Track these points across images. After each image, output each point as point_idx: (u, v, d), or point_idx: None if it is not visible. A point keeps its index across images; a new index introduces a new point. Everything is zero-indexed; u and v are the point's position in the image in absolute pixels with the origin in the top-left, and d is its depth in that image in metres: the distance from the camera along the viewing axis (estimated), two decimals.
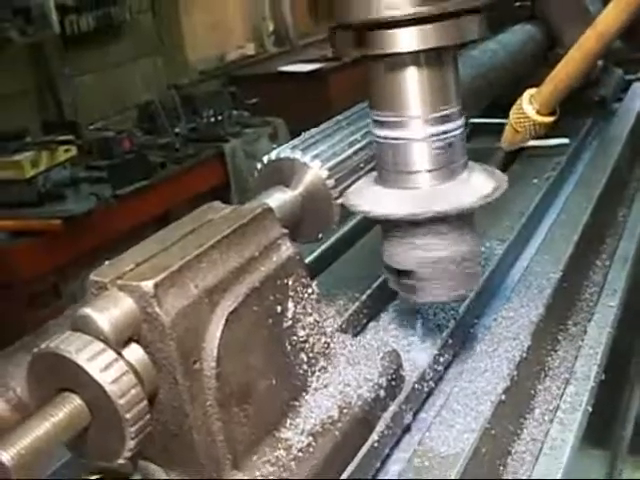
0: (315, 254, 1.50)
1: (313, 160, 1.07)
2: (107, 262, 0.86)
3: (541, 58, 2.08)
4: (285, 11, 7.88)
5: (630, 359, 1.56)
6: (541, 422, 1.10)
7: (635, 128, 2.16)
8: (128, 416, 0.72)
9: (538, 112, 1.04)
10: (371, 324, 1.30)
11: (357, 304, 1.30)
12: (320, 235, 1.12)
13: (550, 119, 1.05)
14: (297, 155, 1.07)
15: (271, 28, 7.84)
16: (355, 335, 1.26)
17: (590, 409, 1.06)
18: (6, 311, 4.18)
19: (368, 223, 1.56)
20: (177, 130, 5.68)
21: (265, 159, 1.10)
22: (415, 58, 0.92)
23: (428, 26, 0.88)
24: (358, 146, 1.14)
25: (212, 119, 5.80)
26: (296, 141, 1.13)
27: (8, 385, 0.91)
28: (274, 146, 3.98)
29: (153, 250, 0.85)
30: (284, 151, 1.09)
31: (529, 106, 1.04)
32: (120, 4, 6.04)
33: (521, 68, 1.94)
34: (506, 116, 2.05)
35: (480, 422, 0.99)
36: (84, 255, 4.63)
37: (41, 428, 0.72)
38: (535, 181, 1.78)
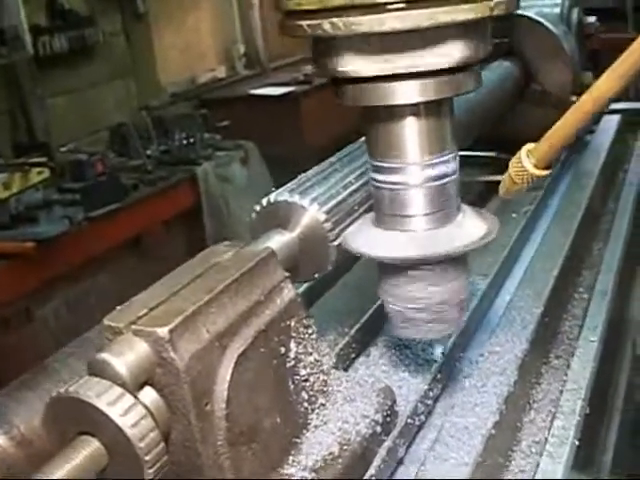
0: (303, 287, 1.53)
1: (311, 203, 1.11)
2: (118, 307, 0.89)
3: (518, 94, 2.14)
4: (256, 34, 7.95)
5: (608, 389, 1.61)
6: (528, 454, 1.15)
7: (607, 161, 2.23)
8: (147, 458, 0.75)
9: (535, 166, 1.10)
10: (361, 359, 1.34)
11: (347, 339, 1.34)
12: (316, 275, 1.16)
13: (546, 172, 1.11)
14: (295, 198, 1.11)
15: (242, 51, 7.89)
16: (345, 369, 1.30)
17: (577, 442, 1.10)
18: None
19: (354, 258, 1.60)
20: (149, 152, 5.70)
21: (263, 201, 1.14)
22: (414, 109, 0.97)
23: (428, 80, 0.93)
24: (352, 188, 1.18)
25: (184, 141, 5.84)
26: (293, 184, 1.16)
27: (12, 422, 0.93)
28: (245, 170, 3.99)
29: (164, 294, 0.88)
30: (282, 194, 1.13)
31: (527, 160, 1.10)
32: (93, 26, 6.06)
33: (500, 104, 2.00)
34: (485, 149, 2.11)
35: (473, 456, 1.03)
36: (56, 278, 4.63)
37: (62, 471, 0.74)
38: (514, 215, 1.84)
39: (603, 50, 2.85)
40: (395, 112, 0.97)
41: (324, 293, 1.56)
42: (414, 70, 0.91)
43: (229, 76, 7.70)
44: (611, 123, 2.56)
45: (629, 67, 0.95)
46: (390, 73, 0.92)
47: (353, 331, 1.36)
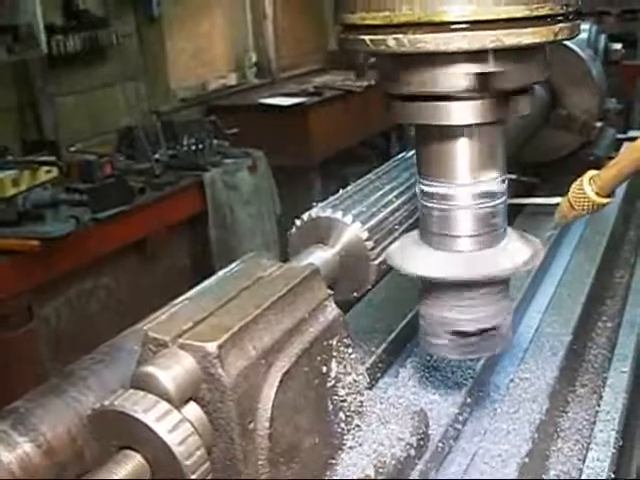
0: None
1: (354, 220, 1.09)
2: (163, 316, 0.87)
3: (544, 118, 2.13)
4: (268, 44, 7.95)
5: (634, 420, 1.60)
6: None
7: (628, 187, 2.22)
8: (193, 477, 0.74)
9: (597, 194, 1.08)
10: (390, 379, 1.32)
11: (374, 357, 1.32)
12: (355, 293, 1.14)
13: (607, 200, 1.09)
14: (338, 215, 1.10)
15: (254, 60, 7.88)
16: (369, 388, 1.28)
17: (613, 475, 1.08)
18: None
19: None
20: (157, 156, 5.68)
21: (305, 216, 1.13)
22: (468, 130, 0.95)
23: (485, 101, 0.91)
24: (393, 207, 1.17)
25: (192, 147, 5.82)
26: (335, 200, 1.15)
27: (38, 429, 0.91)
28: (252, 178, 3.97)
29: (209, 307, 0.86)
30: (324, 210, 1.11)
31: (589, 187, 1.08)
32: (107, 27, 6.05)
33: (527, 128, 1.99)
34: (513, 172, 2.10)
35: None
36: (59, 278, 4.61)
37: None
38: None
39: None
40: (450, 132, 0.95)
41: (348, 310, 1.54)
42: (475, 92, 0.89)
43: (239, 84, 7.69)
44: None
45: None
46: (448, 93, 0.90)
47: (380, 350, 1.35)
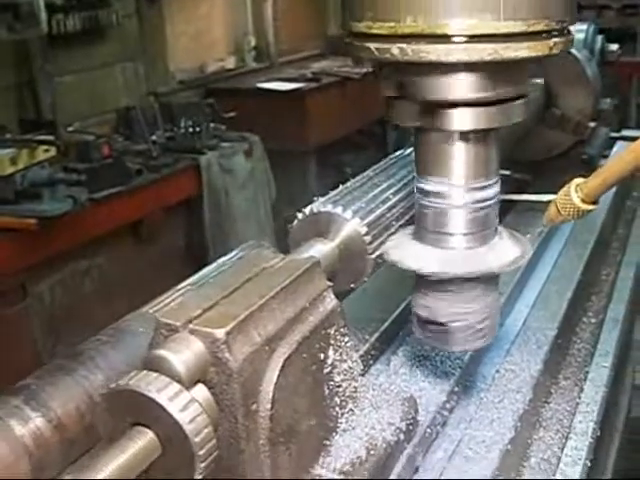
0: None
1: (353, 216, 1.15)
2: (170, 302, 0.93)
3: (538, 117, 2.19)
4: (268, 28, 7.97)
5: (611, 412, 1.66)
6: (537, 470, 1.19)
7: (618, 187, 2.27)
8: (201, 452, 0.80)
9: (583, 200, 1.15)
10: (381, 366, 1.38)
11: (367, 345, 1.38)
12: (352, 285, 1.21)
13: (593, 207, 1.16)
14: (338, 210, 1.15)
15: (253, 43, 7.91)
16: (362, 375, 1.34)
17: (589, 463, 1.15)
18: None
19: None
20: (154, 138, 5.72)
21: (306, 210, 1.18)
22: (465, 135, 1.01)
23: (483, 109, 0.97)
24: (390, 203, 1.23)
25: (189, 130, 5.85)
26: (335, 196, 1.21)
27: (49, 406, 0.96)
28: (248, 163, 4.01)
29: (217, 296, 0.92)
30: (325, 205, 1.17)
31: (575, 194, 1.15)
32: (107, 7, 6.07)
33: (521, 126, 2.04)
34: (507, 169, 2.16)
35: (490, 469, 1.07)
36: (54, 257, 4.66)
37: (119, 459, 0.78)
38: (528, 236, 1.88)
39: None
40: (447, 137, 1.01)
41: (343, 299, 1.60)
42: (472, 99, 0.95)
43: (238, 67, 7.72)
44: (623, 149, 2.60)
45: None
46: (451, 101, 0.96)
47: (373, 338, 1.40)
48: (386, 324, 1.45)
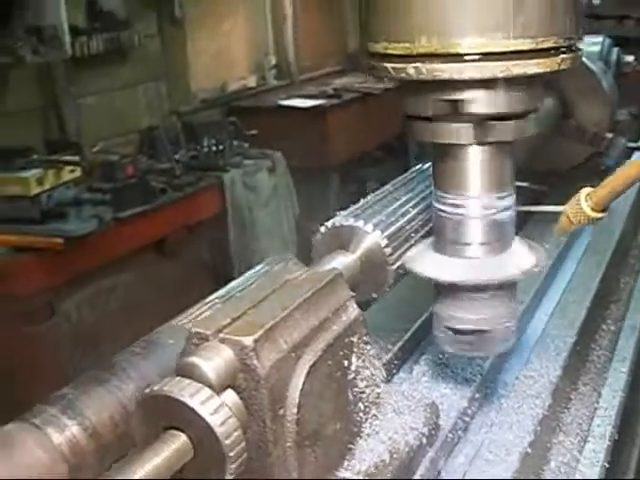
0: None
1: (374, 229, 1.20)
2: (200, 313, 0.97)
3: (554, 128, 2.22)
4: (288, 46, 8.06)
5: (632, 417, 1.69)
6: (557, 474, 1.23)
7: (637, 197, 2.30)
8: (231, 454, 0.84)
9: (592, 209, 1.19)
10: (405, 375, 1.42)
11: (390, 355, 1.42)
12: (374, 295, 1.25)
13: (602, 215, 1.20)
14: (359, 223, 1.20)
15: (273, 62, 7.99)
16: (386, 382, 1.38)
17: (607, 465, 1.18)
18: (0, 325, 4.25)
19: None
20: (177, 157, 5.79)
21: (329, 224, 1.23)
22: (479, 149, 1.05)
23: (494, 123, 1.02)
24: (409, 216, 1.28)
25: (213, 148, 5.92)
26: (356, 210, 1.25)
27: (84, 414, 1.01)
28: (271, 180, 4.06)
29: (244, 307, 0.97)
30: (346, 219, 1.22)
31: (585, 203, 1.19)
32: (130, 28, 6.16)
33: (538, 137, 2.08)
34: (518, 180, 2.19)
35: (510, 472, 1.11)
36: (81, 275, 4.72)
37: (154, 461, 0.83)
38: (547, 246, 1.92)
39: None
40: (463, 150, 1.05)
41: (366, 310, 1.64)
42: (484, 114, 0.99)
43: (259, 85, 7.79)
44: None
45: None
46: (462, 116, 1.00)
47: (396, 348, 1.44)
48: (408, 334, 1.49)
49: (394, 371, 1.43)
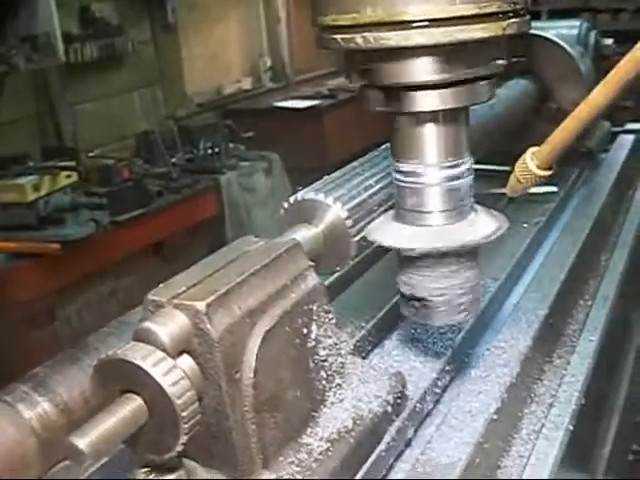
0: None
1: (335, 202, 1.22)
2: (161, 284, 0.99)
3: (534, 111, 2.24)
4: (282, 48, 8.09)
5: (608, 388, 1.70)
6: (527, 441, 1.24)
7: (620, 177, 2.31)
8: (184, 414, 0.86)
9: (538, 167, 1.21)
10: (376, 350, 1.43)
11: (363, 332, 1.44)
12: (337, 267, 1.27)
13: (547, 173, 1.22)
14: (320, 197, 1.22)
15: (268, 64, 8.03)
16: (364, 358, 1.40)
17: (571, 428, 1.19)
18: (0, 330, 4.27)
19: (372, 259, 1.72)
20: (174, 160, 5.82)
21: (291, 199, 1.25)
22: (434, 116, 1.07)
23: (447, 90, 1.03)
24: (372, 191, 1.29)
25: (209, 151, 5.95)
26: (318, 184, 1.27)
27: (56, 391, 1.03)
28: (268, 181, 4.07)
29: (200, 275, 0.99)
30: (308, 193, 1.24)
31: (531, 162, 1.21)
32: (123, 35, 6.20)
33: (516, 120, 2.10)
34: (501, 164, 2.21)
35: (475, 437, 1.12)
36: (80, 279, 4.74)
37: (109, 423, 0.84)
38: (525, 225, 1.94)
39: None
40: (417, 119, 1.07)
41: (344, 290, 1.66)
42: (435, 81, 1.01)
43: (254, 88, 7.83)
44: (625, 142, 2.65)
45: (619, 79, 1.07)
46: (414, 83, 1.02)
47: (369, 325, 1.46)
48: (382, 312, 1.50)
49: (368, 348, 1.45)
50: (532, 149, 1.24)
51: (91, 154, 5.73)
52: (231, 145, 6.14)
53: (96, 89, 6.11)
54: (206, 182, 5.64)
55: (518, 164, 1.26)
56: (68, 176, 4.87)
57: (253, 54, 8.02)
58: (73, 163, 5.09)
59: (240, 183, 5.81)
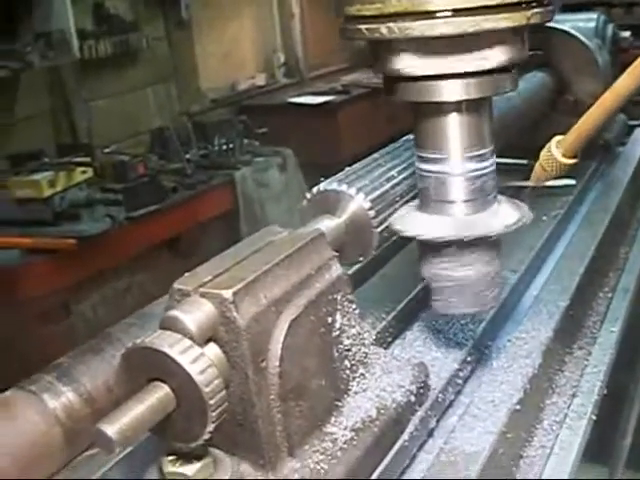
0: None
1: (358, 192, 1.22)
2: (187, 273, 0.99)
3: (551, 103, 2.24)
4: (296, 44, 8.09)
5: (629, 380, 1.70)
6: (549, 432, 1.24)
7: (637, 171, 2.31)
8: (212, 402, 0.86)
9: (563, 155, 1.21)
10: (397, 341, 1.44)
11: (384, 323, 1.44)
12: (360, 258, 1.27)
13: (572, 161, 1.23)
14: (343, 188, 1.22)
15: (282, 60, 8.03)
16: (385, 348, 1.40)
17: (594, 418, 1.19)
18: (17, 326, 4.29)
19: (393, 251, 1.72)
20: (188, 156, 5.83)
21: (314, 190, 1.25)
22: (457, 106, 1.07)
23: (470, 80, 1.03)
24: (394, 181, 1.30)
25: (223, 147, 5.96)
26: (341, 175, 1.28)
27: (79, 381, 1.04)
28: (282, 176, 4.08)
29: (227, 264, 0.99)
30: (331, 184, 1.24)
31: (556, 150, 1.22)
32: (137, 31, 6.21)
33: (533, 113, 2.10)
34: (519, 156, 2.20)
35: (498, 426, 1.12)
36: (96, 275, 4.76)
37: (137, 410, 0.85)
38: (544, 218, 1.93)
39: None
40: (441, 108, 1.07)
41: (364, 283, 1.66)
42: (459, 71, 1.01)
43: (268, 84, 7.83)
44: None
45: None
46: (438, 73, 1.02)
47: (390, 317, 1.46)
48: (402, 303, 1.51)
49: (389, 339, 1.45)
50: (557, 137, 1.24)
51: (106, 150, 5.74)
52: (245, 141, 6.14)
53: (110, 85, 6.12)
54: (221, 178, 5.65)
55: (543, 153, 1.26)
56: (83, 172, 4.89)
57: (267, 50, 8.02)
58: (88, 159, 5.11)
59: (254, 179, 5.82)
